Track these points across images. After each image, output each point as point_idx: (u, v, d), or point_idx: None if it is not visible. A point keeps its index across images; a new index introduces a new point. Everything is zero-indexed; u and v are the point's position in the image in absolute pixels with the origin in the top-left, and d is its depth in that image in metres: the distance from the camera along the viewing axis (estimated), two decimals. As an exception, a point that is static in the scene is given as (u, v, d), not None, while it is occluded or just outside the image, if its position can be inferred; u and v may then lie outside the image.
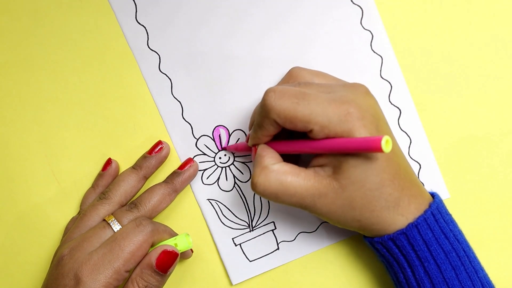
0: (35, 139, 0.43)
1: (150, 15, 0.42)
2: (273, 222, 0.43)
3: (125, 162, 0.43)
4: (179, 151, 0.43)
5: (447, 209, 0.37)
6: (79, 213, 0.43)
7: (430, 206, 0.35)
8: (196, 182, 0.43)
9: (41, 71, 0.43)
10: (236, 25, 0.42)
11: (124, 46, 0.42)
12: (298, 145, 0.35)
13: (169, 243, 0.38)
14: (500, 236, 0.42)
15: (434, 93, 0.41)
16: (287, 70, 0.40)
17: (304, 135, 0.34)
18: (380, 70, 0.41)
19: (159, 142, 0.42)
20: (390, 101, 0.41)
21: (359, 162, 0.33)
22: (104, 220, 0.39)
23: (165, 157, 0.42)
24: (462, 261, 0.35)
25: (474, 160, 0.41)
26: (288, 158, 0.37)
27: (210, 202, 0.43)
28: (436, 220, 0.35)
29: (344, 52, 0.41)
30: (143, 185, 0.42)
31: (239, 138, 0.42)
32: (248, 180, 0.43)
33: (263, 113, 0.34)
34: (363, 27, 0.41)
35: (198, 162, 0.43)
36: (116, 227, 0.38)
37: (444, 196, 0.42)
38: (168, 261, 0.37)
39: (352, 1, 0.41)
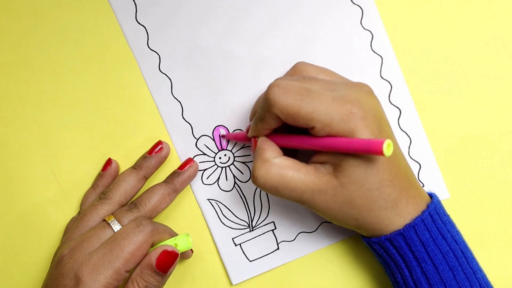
0: (35, 139, 0.43)
1: (150, 15, 0.42)
2: (273, 222, 0.43)
3: (125, 162, 0.43)
4: (179, 151, 0.43)
5: (445, 210, 0.37)
6: (79, 213, 0.43)
7: (427, 206, 0.35)
8: (196, 182, 0.43)
9: (41, 71, 0.43)
10: (236, 25, 0.42)
11: (124, 46, 0.42)
12: (298, 141, 0.35)
13: (169, 243, 0.38)
14: (500, 236, 0.42)
15: (434, 93, 0.41)
16: (287, 70, 0.40)
17: (304, 130, 0.34)
18: (380, 70, 0.41)
19: (159, 142, 0.42)
20: (390, 101, 0.41)
21: (359, 162, 0.33)
22: (104, 220, 0.39)
23: (165, 157, 0.42)
24: (460, 262, 0.35)
25: (474, 160, 0.41)
26: (286, 152, 0.37)
27: (210, 202, 0.43)
28: (433, 221, 0.35)
29: (344, 52, 0.41)
30: (143, 185, 0.42)
31: (239, 138, 0.43)
32: (248, 180, 0.43)
33: (265, 107, 0.34)
34: (363, 27, 0.41)
35: (198, 162, 0.43)
36: (116, 227, 0.38)
37: (444, 196, 0.42)
38: (168, 261, 0.37)
39: (352, 1, 0.41)
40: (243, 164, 0.43)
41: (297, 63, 0.39)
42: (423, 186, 0.42)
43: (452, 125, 0.41)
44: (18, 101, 0.43)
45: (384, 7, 0.41)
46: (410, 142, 0.42)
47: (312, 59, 0.41)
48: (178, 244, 0.38)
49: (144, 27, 0.42)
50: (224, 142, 0.43)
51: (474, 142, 0.41)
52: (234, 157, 0.43)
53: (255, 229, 0.43)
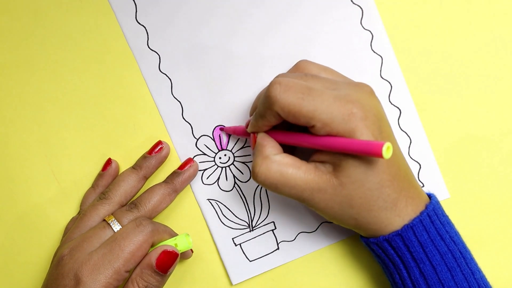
0: (35, 139, 0.43)
1: (150, 15, 0.42)
2: (273, 222, 0.43)
3: (125, 162, 0.43)
4: (179, 151, 0.43)
5: (443, 211, 0.37)
6: (79, 213, 0.43)
7: (426, 207, 0.35)
8: (196, 182, 0.43)
9: (41, 71, 0.43)
10: (236, 25, 0.42)
11: (124, 46, 0.42)
12: (298, 138, 0.35)
13: (169, 243, 0.38)
14: (500, 236, 0.42)
15: (434, 93, 0.41)
16: (287, 70, 0.40)
17: (304, 128, 0.34)
18: (380, 70, 0.41)
19: (159, 142, 0.42)
20: (390, 101, 0.41)
21: (359, 162, 0.33)
22: (104, 220, 0.39)
23: (165, 157, 0.42)
24: (458, 263, 0.35)
25: (474, 160, 0.41)
26: (284, 148, 0.37)
27: (210, 202, 0.43)
28: (432, 222, 0.35)
29: (344, 52, 0.41)
30: (143, 185, 0.42)
31: (239, 138, 0.42)
32: (248, 180, 0.43)
33: (266, 104, 0.34)
34: (363, 27, 0.41)
35: (198, 162, 0.43)
36: (116, 227, 0.38)
37: (444, 196, 0.42)
38: (168, 261, 0.37)
39: (352, 1, 0.41)
40: (243, 164, 0.43)
41: (299, 61, 0.39)
42: (423, 186, 0.42)
43: (452, 125, 0.41)
44: (18, 101, 0.43)
45: (384, 7, 0.41)
46: (410, 142, 0.42)
47: (312, 59, 0.41)
48: (178, 244, 0.38)
49: (144, 27, 0.42)
50: (224, 142, 0.43)
51: (474, 142, 0.41)
52: (234, 157, 0.43)
53: (255, 229, 0.43)
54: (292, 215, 0.42)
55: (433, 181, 0.42)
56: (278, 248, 0.43)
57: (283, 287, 0.43)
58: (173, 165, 0.43)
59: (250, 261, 0.43)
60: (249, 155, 0.43)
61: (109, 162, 0.42)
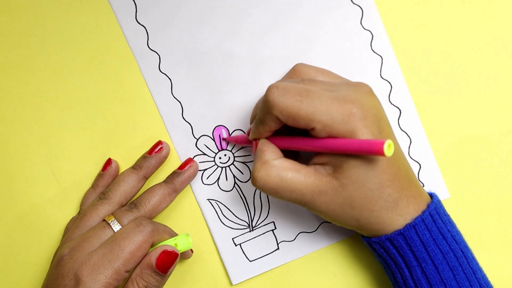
0: (35, 139, 0.43)
1: (150, 15, 0.42)
2: (273, 222, 0.43)
3: (125, 162, 0.43)
4: (179, 151, 0.43)
5: (445, 210, 0.37)
6: (79, 213, 0.43)
7: (428, 206, 0.35)
8: (196, 182, 0.43)
9: (41, 71, 0.43)
10: (236, 25, 0.42)
11: (124, 46, 0.42)
12: (299, 142, 0.35)
13: (169, 243, 0.38)
14: (500, 236, 0.42)
15: (434, 93, 0.41)
16: (287, 70, 0.40)
17: (305, 132, 0.34)
18: (380, 70, 0.41)
19: (159, 142, 0.42)
20: (390, 101, 0.41)
21: (360, 162, 0.33)
22: (104, 220, 0.39)
23: (165, 157, 0.42)
24: (460, 262, 0.35)
25: (474, 160, 0.41)
26: (287, 154, 0.37)
27: (210, 202, 0.43)
28: (434, 221, 0.35)
29: (344, 52, 0.41)
30: (143, 185, 0.42)
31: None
32: (248, 180, 0.43)
33: (265, 109, 0.34)
34: (363, 27, 0.41)
35: (198, 162, 0.43)
36: (116, 227, 0.38)
37: (444, 196, 0.42)
38: (168, 261, 0.37)
39: (352, 1, 0.41)
40: (243, 164, 0.43)
41: (295, 64, 0.39)
42: (423, 186, 0.42)
43: (452, 125, 0.41)
44: (18, 101, 0.43)
45: (384, 7, 0.41)
46: (410, 142, 0.42)
47: (312, 59, 0.41)
48: (178, 244, 0.38)
49: (144, 27, 0.42)
50: (224, 142, 0.43)
51: (474, 142, 0.41)
52: (234, 157, 0.43)
53: (255, 229, 0.43)
54: (292, 215, 0.42)
55: (433, 181, 0.42)
56: (278, 248, 0.43)
57: (283, 287, 0.43)
58: (173, 165, 0.43)
59: (250, 261, 0.43)
60: (249, 155, 0.43)
61: (109, 162, 0.42)
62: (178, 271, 0.43)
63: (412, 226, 0.34)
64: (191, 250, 0.42)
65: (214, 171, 0.43)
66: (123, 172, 0.42)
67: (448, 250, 0.35)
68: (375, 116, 0.33)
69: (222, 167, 0.43)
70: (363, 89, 0.35)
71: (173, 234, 0.39)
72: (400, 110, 0.41)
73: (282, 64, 0.41)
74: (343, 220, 0.35)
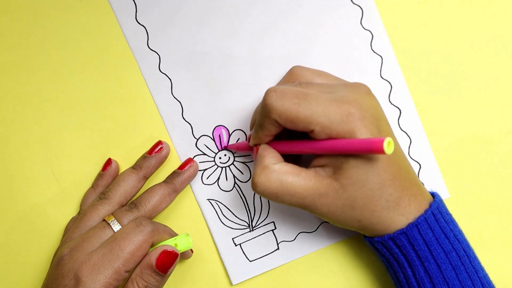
0: (35, 139, 0.43)
1: (150, 15, 0.42)
2: (273, 222, 0.43)
3: (125, 162, 0.43)
4: (179, 151, 0.43)
5: (447, 209, 0.37)
6: (79, 213, 0.43)
7: (430, 205, 0.35)
8: (196, 182, 0.43)
9: (41, 71, 0.43)
10: (236, 25, 0.42)
11: (124, 46, 0.42)
12: (299, 146, 0.35)
13: (169, 243, 0.38)
14: (500, 236, 0.42)
15: (434, 93, 0.41)
16: (287, 70, 0.40)
17: (305, 135, 0.34)
18: (380, 70, 0.41)
19: (159, 142, 0.42)
20: (390, 101, 0.41)
21: (360, 162, 0.33)
22: (104, 220, 0.39)
23: (165, 157, 0.42)
24: (462, 261, 0.35)
25: (474, 160, 0.41)
26: (289, 158, 0.37)
27: (210, 202, 0.43)
28: (436, 220, 0.35)
29: (344, 52, 0.41)
30: (143, 185, 0.42)
31: (239, 138, 0.43)
32: (248, 180, 0.43)
33: (264, 113, 0.34)
34: (363, 27, 0.41)
35: (198, 162, 0.43)
36: (116, 227, 0.38)
37: (444, 196, 0.42)
38: (168, 261, 0.37)
39: (352, 1, 0.41)
40: (243, 164, 0.43)
41: (292, 67, 0.39)
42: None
43: (452, 125, 0.41)
44: (18, 101, 0.43)
45: (384, 7, 0.41)
46: (410, 142, 0.42)
47: (312, 59, 0.41)
48: (178, 244, 0.38)
49: (144, 27, 0.42)
50: (224, 142, 0.43)
51: (474, 142, 0.41)
52: (234, 157, 0.43)
53: (255, 229, 0.43)
54: (292, 215, 0.42)
55: (433, 181, 0.42)
56: (278, 248, 0.43)
57: (283, 287, 0.43)
58: (173, 165, 0.43)
59: (250, 261, 0.43)
60: (249, 155, 0.43)
61: (109, 162, 0.42)
62: (178, 271, 0.43)
63: (414, 225, 0.34)
64: (191, 250, 0.42)
65: (214, 171, 0.43)
66: (123, 172, 0.42)
67: (450, 249, 0.35)
68: (373, 116, 0.33)
69: (222, 167, 0.43)
70: (361, 89, 0.35)
71: (173, 234, 0.39)
72: (400, 110, 0.41)
73: (282, 64, 0.41)
74: (345, 221, 0.35)
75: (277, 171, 0.34)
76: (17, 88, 0.43)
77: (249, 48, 0.42)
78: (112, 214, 0.39)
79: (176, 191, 0.42)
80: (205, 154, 0.43)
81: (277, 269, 0.43)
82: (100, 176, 0.42)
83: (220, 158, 0.43)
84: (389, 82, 0.41)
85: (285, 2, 0.41)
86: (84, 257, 0.36)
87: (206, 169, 0.43)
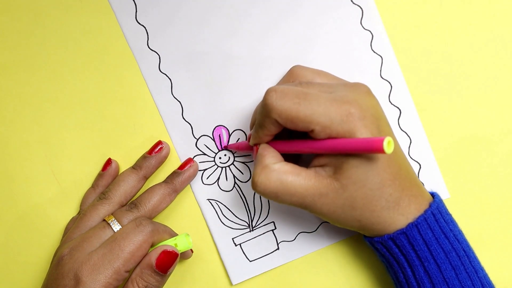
0: (35, 139, 0.43)
1: (150, 15, 0.42)
2: (273, 222, 0.43)
3: (125, 162, 0.43)
4: (179, 151, 0.43)
5: (447, 209, 0.37)
6: (79, 213, 0.43)
7: (430, 206, 0.35)
8: (196, 182, 0.43)
9: (41, 71, 0.43)
10: (236, 25, 0.42)
11: (124, 46, 0.42)
12: (299, 145, 0.35)
13: (169, 243, 0.38)
14: (500, 236, 0.42)
15: (434, 93, 0.41)
16: (287, 70, 0.40)
17: (305, 134, 0.34)
18: (380, 70, 0.41)
19: (159, 142, 0.42)
20: (390, 101, 0.41)
21: (360, 162, 0.33)
22: (104, 220, 0.39)
23: (165, 157, 0.42)
24: (462, 261, 0.35)
25: (474, 160, 0.41)
26: (289, 158, 0.37)
27: (210, 202, 0.43)
28: (436, 220, 0.35)
29: (344, 52, 0.41)
30: (143, 185, 0.42)
31: (239, 138, 0.43)
32: (248, 180, 0.43)
33: (264, 113, 0.34)
34: (363, 27, 0.41)
35: (198, 162, 0.43)
36: (116, 227, 0.38)
37: (444, 196, 0.42)
38: (168, 261, 0.37)
39: (352, 1, 0.41)
40: (243, 164, 0.43)
41: (292, 67, 0.39)
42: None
43: (452, 125, 0.41)
44: (18, 101, 0.43)
45: (384, 7, 0.41)
46: (410, 142, 0.42)
47: (312, 59, 0.41)
48: (178, 244, 0.38)
49: (144, 27, 0.42)
50: (224, 142, 0.43)
51: (474, 142, 0.41)
52: (234, 157, 0.43)
53: (255, 229, 0.43)
54: (292, 215, 0.42)
55: (433, 181, 0.42)
56: (278, 248, 0.43)
57: (283, 287, 0.43)
58: (173, 165, 0.43)
59: (250, 261, 0.43)
60: (249, 155, 0.43)
61: (109, 162, 0.42)
62: (178, 271, 0.43)
63: (414, 225, 0.34)
64: (191, 250, 0.42)
65: (214, 171, 0.43)
66: (123, 172, 0.42)
67: (450, 249, 0.35)
68: (373, 116, 0.33)
69: (222, 167, 0.43)
70: (361, 89, 0.35)
71: (173, 234, 0.39)
72: (400, 110, 0.41)
73: (282, 64, 0.41)
74: (345, 221, 0.35)
75: (277, 171, 0.34)
76: (17, 88, 0.43)
77: (249, 48, 0.42)
78: (112, 214, 0.39)
79: (176, 191, 0.42)
80: (205, 154, 0.43)
81: (277, 269, 0.43)
82: (100, 176, 0.42)
83: (220, 158, 0.43)
84: (389, 82, 0.41)
85: (285, 2, 0.41)
86: (84, 257, 0.36)
87: (206, 169, 0.43)
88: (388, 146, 0.30)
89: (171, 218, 0.43)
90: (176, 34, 0.42)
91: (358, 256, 0.42)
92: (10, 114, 0.43)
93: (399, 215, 0.34)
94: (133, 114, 0.43)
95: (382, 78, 0.41)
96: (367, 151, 0.31)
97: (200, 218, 0.43)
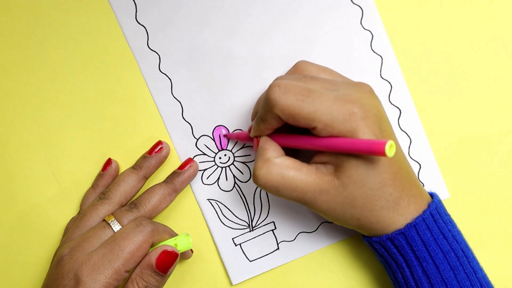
0: (35, 139, 0.43)
1: (150, 15, 0.42)
2: (273, 222, 0.43)
3: (125, 162, 0.43)
4: (179, 151, 0.43)
5: (446, 210, 0.37)
6: (79, 213, 0.43)
7: (429, 206, 0.35)
8: (196, 182, 0.43)
9: (41, 71, 0.43)
10: (236, 25, 0.42)
11: (124, 46, 0.42)
12: (300, 141, 0.35)
13: (169, 243, 0.38)
14: (500, 236, 0.42)
15: (434, 93, 0.41)
16: (287, 70, 0.40)
17: (306, 130, 0.34)
18: (380, 70, 0.41)
19: (159, 142, 0.42)
20: (390, 101, 0.41)
21: (361, 162, 0.33)
22: (104, 220, 0.39)
23: (165, 157, 0.42)
24: (460, 261, 0.35)
25: (474, 160, 0.41)
26: (288, 152, 0.37)
27: (210, 202, 0.43)
28: (434, 220, 0.35)
29: (344, 52, 0.41)
30: (143, 185, 0.42)
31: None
32: (248, 180, 0.43)
33: (266, 108, 0.34)
34: (363, 27, 0.41)
35: (198, 162, 0.43)
36: (116, 227, 0.38)
37: (444, 196, 0.42)
38: (168, 261, 0.37)
39: (352, 1, 0.41)
40: (243, 164, 0.43)
41: (298, 62, 0.39)
42: (423, 186, 0.42)
43: (452, 125, 0.41)
44: (18, 101, 0.43)
45: (384, 7, 0.41)
46: (410, 142, 0.42)
47: (312, 59, 0.41)
48: (178, 244, 0.38)
49: (144, 27, 0.42)
50: (224, 142, 0.43)
51: (474, 142, 0.41)
52: (234, 157, 0.43)
53: (255, 229, 0.43)
54: (292, 215, 0.42)
55: (433, 181, 0.42)
56: (278, 248, 0.43)
57: (283, 287, 0.43)
58: (173, 165, 0.43)
59: (250, 261, 0.43)
60: (249, 155, 0.43)
61: (109, 162, 0.42)
62: (178, 271, 0.43)
63: (413, 225, 0.34)
64: (191, 250, 0.42)
65: (214, 171, 0.43)
66: (123, 172, 0.42)
67: (449, 249, 0.35)
68: (376, 116, 0.33)
69: (222, 167, 0.43)
70: (364, 89, 0.35)
71: (173, 234, 0.39)
72: (400, 110, 0.41)
73: (282, 64, 0.41)
74: (344, 219, 0.35)
75: (279, 165, 0.34)
76: (17, 88, 0.43)
77: (249, 48, 0.42)
78: (112, 214, 0.39)
79: (176, 191, 0.42)
80: (205, 154, 0.43)
81: (277, 269, 0.43)
82: (100, 176, 0.42)
83: (220, 158, 0.43)
84: (389, 82, 0.41)
85: (285, 2, 0.41)
86: (84, 257, 0.36)
87: (206, 169, 0.43)
88: (390, 149, 0.30)
89: (171, 218, 0.43)
90: (176, 34, 0.42)
91: (358, 256, 0.42)
92: (10, 114, 0.43)
93: (398, 215, 0.34)
94: (133, 114, 0.43)
95: (382, 78, 0.41)
96: (369, 153, 0.31)
97: (200, 218, 0.43)
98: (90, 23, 0.42)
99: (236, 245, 0.43)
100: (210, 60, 0.42)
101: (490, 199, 0.41)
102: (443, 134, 0.41)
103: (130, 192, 0.41)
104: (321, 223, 0.42)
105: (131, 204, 0.40)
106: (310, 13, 0.41)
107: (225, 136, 0.42)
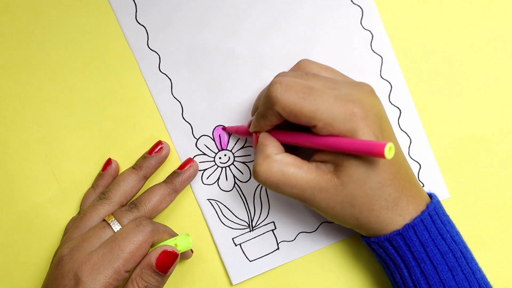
0: (35, 139, 0.43)
1: (150, 15, 0.42)
2: (273, 222, 0.43)
3: (125, 162, 0.43)
4: (179, 151, 0.43)
5: (444, 210, 0.37)
6: (79, 213, 0.43)
7: (427, 207, 0.35)
8: (196, 182, 0.43)
9: (41, 71, 0.43)
10: (236, 25, 0.42)
11: (124, 46, 0.42)
12: (300, 138, 0.35)
13: (169, 243, 0.38)
14: (500, 236, 0.42)
15: (434, 93, 0.41)
16: (287, 70, 0.40)
17: (306, 128, 0.34)
18: (380, 70, 0.41)
19: (159, 142, 0.42)
20: (390, 101, 0.41)
21: (361, 161, 0.33)
22: (104, 220, 0.39)
23: (165, 157, 0.42)
24: (459, 262, 0.35)
25: (474, 160, 0.41)
26: (286, 148, 0.37)
27: (210, 202, 0.43)
28: (433, 221, 0.35)
29: (344, 52, 0.41)
30: (143, 185, 0.42)
31: (239, 138, 0.42)
32: (248, 180, 0.43)
33: (267, 104, 0.34)
34: (363, 27, 0.41)
35: (198, 162, 0.43)
36: (116, 227, 0.38)
37: (444, 196, 0.42)
38: (168, 261, 0.37)
39: (352, 1, 0.41)
40: (243, 164, 0.43)
41: (300, 60, 0.39)
42: (423, 186, 0.42)
43: (452, 125, 0.41)
44: (18, 101, 0.43)
45: (384, 7, 0.41)
46: (410, 142, 0.42)
47: (313, 59, 0.41)
48: (178, 244, 0.38)
49: (144, 27, 0.42)
50: (224, 142, 0.43)
51: (474, 142, 0.41)
52: (234, 157, 0.43)
53: (255, 229, 0.43)
54: (292, 215, 0.42)
55: (433, 181, 0.42)
56: (278, 248, 0.43)
57: (283, 287, 0.43)
58: (173, 165, 0.43)
59: (250, 261, 0.43)
60: (249, 155, 0.43)
61: (109, 162, 0.42)
62: (178, 271, 0.43)
63: (411, 226, 0.34)
64: (191, 250, 0.42)
65: (214, 171, 0.43)
66: (123, 172, 0.42)
67: (447, 250, 0.35)
68: (376, 116, 0.33)
69: (222, 167, 0.43)
70: (365, 89, 0.35)
71: (173, 234, 0.39)
72: (400, 110, 0.41)
73: (282, 64, 0.41)
74: (343, 218, 0.35)
75: (279, 161, 0.34)
76: (17, 88, 0.43)
77: (249, 48, 0.42)
78: (112, 214, 0.39)
79: (176, 191, 0.42)
80: (205, 154, 0.43)
81: (277, 269, 0.43)
82: (100, 176, 0.42)
83: (220, 158, 0.43)
84: (389, 82, 0.41)
85: (285, 2, 0.41)
86: (84, 257, 0.36)
87: (206, 169, 0.43)
88: (389, 151, 0.30)
89: (171, 218, 0.43)
90: (176, 34, 0.42)
91: (357, 256, 0.42)
92: (10, 114, 0.43)
93: (397, 216, 0.34)
94: (133, 114, 0.43)
95: (382, 78, 0.41)
96: (368, 154, 0.31)
97: (200, 218, 0.43)
98: (90, 23, 0.42)
99: (236, 245, 0.43)
100: (210, 60, 0.42)
101: (490, 199, 0.41)
102: (443, 134, 0.41)
103: (130, 192, 0.41)
104: (321, 223, 0.42)
105: (131, 204, 0.40)
106: (310, 13, 0.41)
107: (223, 129, 0.42)
